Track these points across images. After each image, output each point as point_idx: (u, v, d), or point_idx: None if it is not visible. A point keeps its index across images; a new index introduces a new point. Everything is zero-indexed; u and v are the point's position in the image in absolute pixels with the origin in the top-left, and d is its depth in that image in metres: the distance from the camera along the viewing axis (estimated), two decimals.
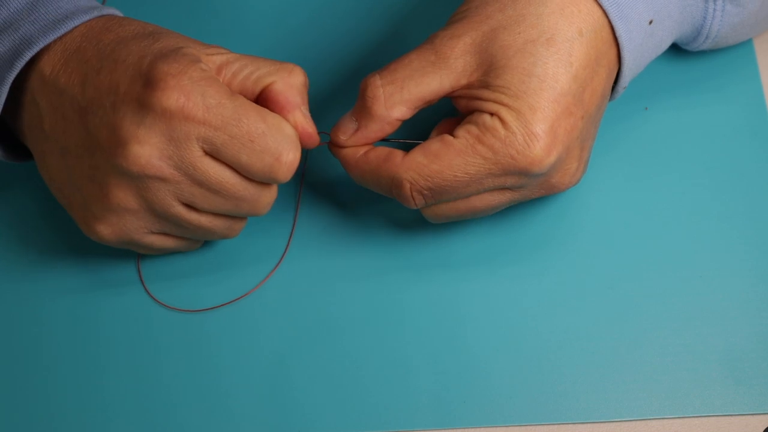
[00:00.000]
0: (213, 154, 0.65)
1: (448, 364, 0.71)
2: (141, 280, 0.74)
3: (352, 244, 0.75)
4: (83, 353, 0.73)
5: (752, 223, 0.75)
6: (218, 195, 0.67)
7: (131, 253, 0.74)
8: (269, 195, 0.68)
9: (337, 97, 0.79)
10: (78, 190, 0.68)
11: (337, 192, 0.76)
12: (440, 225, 0.74)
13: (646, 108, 0.78)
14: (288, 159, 0.66)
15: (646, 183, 0.76)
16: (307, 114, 0.68)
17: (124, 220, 0.67)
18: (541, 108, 0.65)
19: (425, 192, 0.68)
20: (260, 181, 0.67)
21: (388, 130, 0.69)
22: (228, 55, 0.68)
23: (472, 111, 0.67)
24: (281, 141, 0.66)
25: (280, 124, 0.66)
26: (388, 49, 0.81)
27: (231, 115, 0.65)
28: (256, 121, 0.65)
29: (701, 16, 0.72)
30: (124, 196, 0.66)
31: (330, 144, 0.70)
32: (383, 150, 0.69)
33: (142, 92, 0.64)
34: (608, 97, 0.70)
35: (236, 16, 0.82)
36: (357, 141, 0.69)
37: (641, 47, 0.69)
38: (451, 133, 0.68)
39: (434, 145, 0.67)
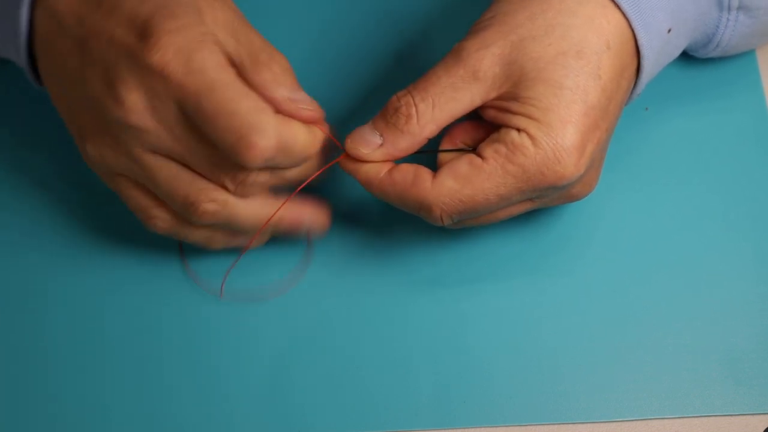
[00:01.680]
0: (189, 119, 0.64)
1: (448, 364, 0.72)
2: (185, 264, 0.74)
3: (352, 246, 0.75)
4: (84, 352, 0.72)
5: (752, 224, 0.75)
6: (205, 129, 0.64)
7: (134, 248, 0.75)
8: (270, 137, 0.64)
9: (347, 109, 0.79)
10: (76, 112, 0.67)
11: (340, 198, 0.76)
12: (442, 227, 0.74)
13: (647, 108, 0.78)
14: (251, 141, 0.63)
15: (646, 184, 0.76)
16: (298, 96, 0.66)
17: (104, 152, 0.66)
18: (572, 122, 0.65)
19: (455, 215, 0.67)
20: (231, 160, 0.65)
21: (415, 148, 0.68)
22: (223, 21, 0.65)
23: (500, 124, 0.66)
24: (248, 123, 0.63)
25: (255, 106, 0.64)
26: (400, 58, 0.80)
27: (207, 85, 0.63)
28: (228, 99, 0.63)
29: (714, 24, 0.72)
30: (106, 144, 0.66)
31: (344, 157, 0.68)
32: (409, 171, 0.67)
33: (135, 43, 0.64)
34: (623, 108, 0.70)
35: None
36: (380, 157, 0.68)
37: (659, 55, 0.69)
38: (467, 142, 0.68)
39: (463, 168, 0.66)
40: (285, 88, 0.65)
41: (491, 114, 0.67)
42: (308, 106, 0.66)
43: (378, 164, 0.68)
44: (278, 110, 0.65)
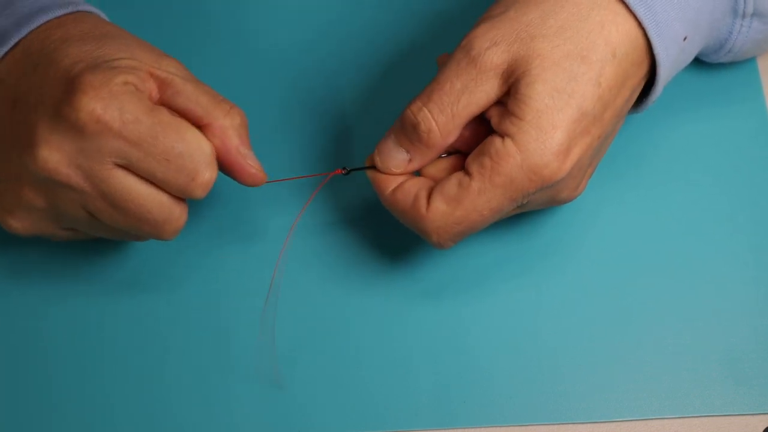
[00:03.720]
0: (128, 168, 0.65)
1: (448, 364, 0.71)
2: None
3: (352, 246, 0.75)
4: (83, 353, 0.73)
5: (752, 225, 0.75)
6: (121, 212, 0.66)
7: (129, 254, 0.74)
8: (176, 221, 0.67)
9: (348, 110, 0.79)
10: None
11: (342, 200, 0.76)
12: None
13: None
14: (203, 179, 0.65)
15: (648, 187, 0.76)
16: (247, 153, 0.68)
17: (33, 216, 0.67)
18: (562, 126, 0.64)
19: (454, 237, 0.67)
20: (177, 195, 0.66)
21: (441, 154, 0.68)
22: (176, 75, 0.66)
23: (492, 125, 0.66)
24: (198, 160, 0.65)
25: (198, 142, 0.65)
26: (403, 59, 0.81)
27: (147, 132, 0.64)
28: (173, 140, 0.64)
29: (727, 31, 0.72)
30: (33, 196, 0.66)
31: (371, 172, 0.69)
32: (410, 193, 0.67)
33: (62, 98, 0.64)
34: (625, 116, 0.69)
35: (235, 23, 0.83)
36: (411, 171, 0.68)
37: (674, 63, 0.69)
38: (463, 148, 0.68)
39: (452, 190, 0.66)
40: (238, 140, 0.67)
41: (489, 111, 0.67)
42: (254, 164, 0.68)
43: (389, 179, 0.69)
44: (224, 158, 0.67)
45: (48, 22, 0.67)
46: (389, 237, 0.75)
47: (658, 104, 0.77)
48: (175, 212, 0.67)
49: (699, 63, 0.78)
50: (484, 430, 0.70)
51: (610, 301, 0.73)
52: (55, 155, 0.64)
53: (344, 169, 0.72)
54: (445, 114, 0.66)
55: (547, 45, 0.65)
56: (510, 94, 0.65)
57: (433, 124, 0.66)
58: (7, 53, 0.67)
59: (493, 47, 0.65)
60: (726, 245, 0.74)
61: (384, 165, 0.69)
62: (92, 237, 0.71)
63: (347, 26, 0.82)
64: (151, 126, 0.64)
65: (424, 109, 0.66)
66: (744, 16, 0.71)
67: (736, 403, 0.70)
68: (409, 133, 0.67)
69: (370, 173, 0.69)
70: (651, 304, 0.73)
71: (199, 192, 0.66)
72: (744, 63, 0.79)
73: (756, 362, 0.71)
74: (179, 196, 0.66)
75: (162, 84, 0.66)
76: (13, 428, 0.71)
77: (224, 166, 0.68)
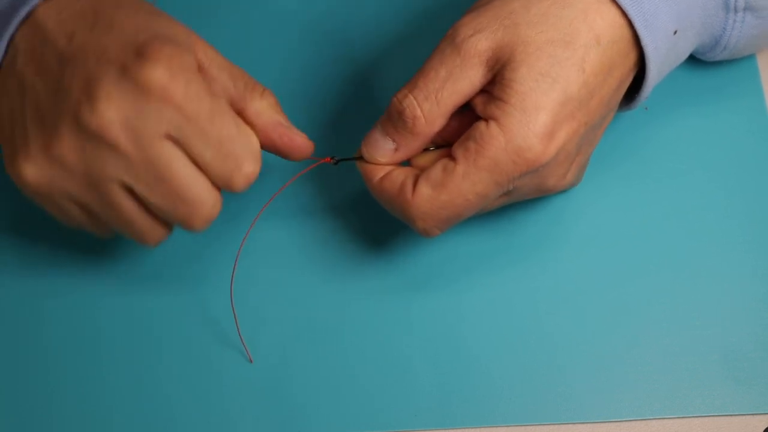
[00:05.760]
0: (179, 142, 0.64)
1: (448, 365, 0.71)
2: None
3: (352, 245, 0.75)
4: (83, 353, 0.72)
5: (752, 224, 0.75)
6: (162, 185, 0.65)
7: (132, 250, 0.74)
8: (211, 208, 0.66)
9: (347, 103, 0.79)
10: (21, 126, 0.66)
11: (339, 198, 0.76)
12: None
13: (646, 108, 0.78)
14: (248, 170, 0.65)
15: (647, 185, 0.76)
16: (291, 125, 0.68)
17: (55, 170, 0.65)
18: (546, 109, 0.65)
19: (440, 224, 0.67)
20: (217, 184, 0.66)
21: (427, 143, 0.68)
22: (212, 60, 0.67)
23: (477, 112, 0.66)
24: (247, 151, 0.65)
25: (249, 136, 0.66)
26: (395, 50, 0.81)
27: (207, 111, 0.64)
28: (229, 125, 0.65)
29: (721, 26, 0.72)
30: (68, 148, 0.64)
31: (360, 162, 0.69)
32: (396, 181, 0.68)
33: (132, 60, 0.63)
34: (615, 107, 0.70)
35: (240, 21, 0.83)
36: (398, 160, 0.69)
37: (666, 57, 0.69)
38: (451, 139, 0.68)
39: (437, 174, 0.66)
40: (280, 116, 0.67)
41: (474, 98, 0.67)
42: (301, 134, 0.68)
43: (376, 168, 0.69)
44: (271, 136, 0.67)
45: None
46: (388, 237, 0.75)
47: (658, 99, 0.77)
48: (211, 198, 0.66)
49: (698, 59, 0.78)
50: (484, 430, 0.70)
51: (610, 301, 0.73)
52: (113, 111, 0.63)
53: (333, 158, 0.72)
54: (430, 101, 0.66)
55: (531, 31, 0.65)
56: (495, 80, 0.66)
57: (419, 111, 0.66)
58: (53, 14, 0.66)
59: (476, 34, 0.66)
60: (726, 243, 0.74)
61: (370, 154, 0.69)
62: (86, 226, 0.69)
63: (337, 17, 0.82)
64: (211, 106, 0.64)
65: (410, 96, 0.67)
66: (736, 10, 0.71)
67: (736, 403, 0.70)
68: (395, 121, 0.67)
69: (359, 163, 0.70)
70: (651, 303, 0.73)
71: (241, 182, 0.65)
72: (743, 59, 0.79)
73: (756, 362, 0.71)
74: (220, 184, 0.66)
75: (201, 70, 0.66)
76: (10, 426, 0.71)
77: (271, 144, 0.68)
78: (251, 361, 0.72)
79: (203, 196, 0.65)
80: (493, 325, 0.72)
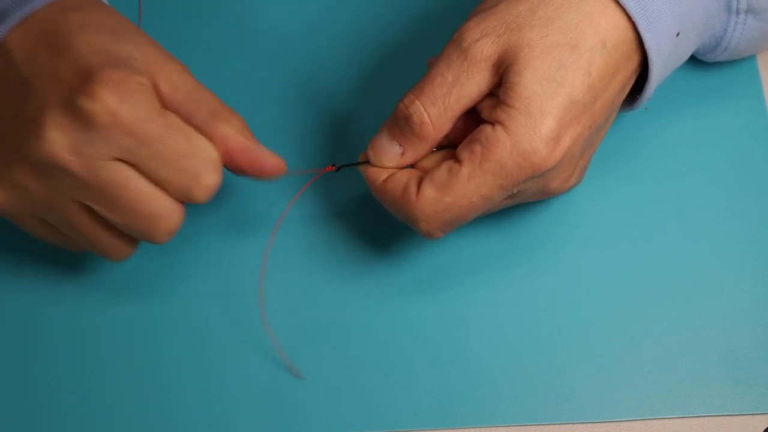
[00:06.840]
0: (133, 163, 0.64)
1: (448, 364, 0.71)
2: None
3: (354, 246, 0.75)
4: (83, 355, 0.73)
5: (752, 224, 0.75)
6: (118, 203, 0.65)
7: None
8: (172, 221, 0.66)
9: (352, 106, 0.79)
10: None
11: (341, 199, 0.76)
12: None
13: (646, 108, 0.78)
14: (207, 181, 0.65)
15: (647, 185, 0.76)
16: (259, 147, 0.67)
17: (18, 195, 0.66)
18: (552, 113, 0.65)
19: (443, 226, 0.67)
20: (177, 198, 0.66)
21: (434, 147, 0.68)
22: (179, 86, 0.66)
23: (483, 116, 0.66)
24: (203, 163, 0.65)
25: (206, 147, 0.65)
26: (399, 53, 0.81)
27: (157, 131, 0.64)
28: (181, 142, 0.64)
29: (722, 28, 0.72)
30: (25, 174, 0.65)
31: (365, 167, 0.69)
32: (400, 182, 0.68)
33: (79, 86, 0.63)
34: (617, 109, 0.70)
35: (241, 25, 0.83)
36: (404, 164, 0.69)
37: (668, 59, 0.69)
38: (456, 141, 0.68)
39: (441, 176, 0.66)
40: (247, 140, 0.67)
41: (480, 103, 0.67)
42: (271, 154, 0.68)
43: (380, 171, 0.69)
44: (239, 161, 0.66)
45: (65, 2, 0.67)
46: (389, 237, 0.75)
47: (659, 100, 0.77)
48: (170, 210, 0.66)
49: (698, 60, 0.78)
50: (484, 430, 0.70)
51: (610, 301, 0.73)
52: (60, 138, 0.63)
53: (334, 165, 0.72)
54: (437, 106, 0.66)
55: (536, 35, 0.65)
56: (500, 84, 0.66)
57: (426, 116, 0.66)
58: (19, 24, 0.66)
59: (482, 39, 0.66)
60: (727, 244, 0.74)
61: (377, 159, 0.69)
62: (55, 243, 0.70)
63: (338, 21, 0.82)
64: (161, 126, 0.64)
65: (417, 101, 0.67)
66: (738, 12, 0.72)
67: (736, 403, 0.70)
68: (402, 126, 0.67)
69: (361, 168, 0.70)
70: (651, 303, 0.73)
71: (202, 194, 0.65)
72: (743, 60, 0.79)
73: (756, 362, 0.71)
74: (181, 198, 0.66)
75: (171, 89, 0.66)
76: (10, 429, 0.71)
77: (240, 167, 0.67)
78: (300, 377, 0.72)
79: (162, 211, 0.66)
80: (494, 325, 0.72)
